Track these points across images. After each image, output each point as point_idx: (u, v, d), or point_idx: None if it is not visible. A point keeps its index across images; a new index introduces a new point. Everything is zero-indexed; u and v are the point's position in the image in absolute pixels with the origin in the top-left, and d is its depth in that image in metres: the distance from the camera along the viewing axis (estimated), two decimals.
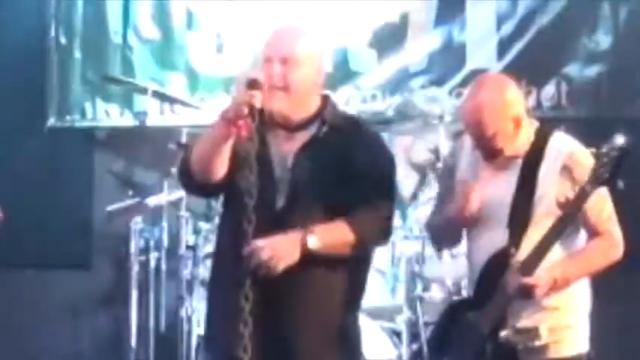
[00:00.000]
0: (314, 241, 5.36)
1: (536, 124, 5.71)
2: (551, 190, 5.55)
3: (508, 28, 8.60)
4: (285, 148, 5.44)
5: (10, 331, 8.39)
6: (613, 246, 5.61)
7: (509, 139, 5.56)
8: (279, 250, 5.30)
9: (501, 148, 5.50)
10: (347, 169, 5.50)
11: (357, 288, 5.65)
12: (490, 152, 5.50)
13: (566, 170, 5.51)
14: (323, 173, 5.49)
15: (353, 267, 5.55)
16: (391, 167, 5.75)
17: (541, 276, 5.46)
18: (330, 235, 5.43)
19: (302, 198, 5.45)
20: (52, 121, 8.68)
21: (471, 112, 5.53)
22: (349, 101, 8.65)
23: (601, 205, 5.56)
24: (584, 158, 5.45)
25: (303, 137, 5.46)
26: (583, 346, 5.70)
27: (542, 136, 5.64)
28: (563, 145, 5.55)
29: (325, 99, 5.57)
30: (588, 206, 5.46)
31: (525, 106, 5.67)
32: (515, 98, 5.50)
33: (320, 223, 5.40)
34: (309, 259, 5.40)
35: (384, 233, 5.67)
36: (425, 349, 7.55)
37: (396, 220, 7.50)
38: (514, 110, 5.50)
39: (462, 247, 7.27)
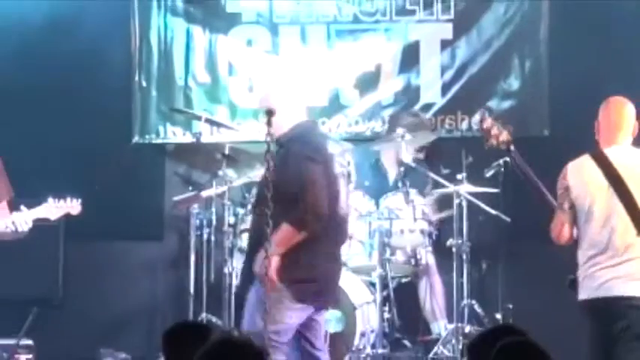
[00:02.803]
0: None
1: None
2: None
3: (448, 75, 8.61)
4: None
5: (104, 288, 8.30)
6: None
7: None
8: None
9: None
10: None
11: None
12: None
13: None
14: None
15: None
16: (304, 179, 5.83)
17: None
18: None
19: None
20: (136, 139, 8.69)
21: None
22: (340, 125, 8.68)
23: None
24: None
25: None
26: None
27: None
28: None
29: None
30: None
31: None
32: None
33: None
34: None
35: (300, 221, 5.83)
36: (392, 295, 7.72)
37: (372, 207, 7.83)
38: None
39: (417, 224, 7.82)
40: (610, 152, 5.87)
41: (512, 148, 6.07)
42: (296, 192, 5.85)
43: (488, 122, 6.16)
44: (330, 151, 6.48)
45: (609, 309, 5.70)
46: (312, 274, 6.01)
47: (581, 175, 5.85)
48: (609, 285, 5.70)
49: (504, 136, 6.08)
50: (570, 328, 6.32)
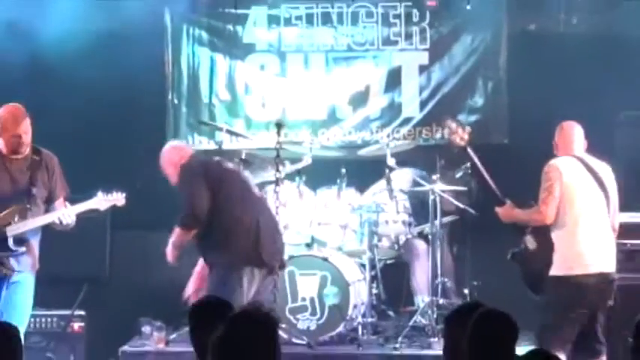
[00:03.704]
0: None
1: None
2: None
3: (425, 93, 8.61)
4: None
5: (143, 268, 8.16)
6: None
7: None
8: None
9: None
10: None
11: None
12: None
13: None
14: None
15: None
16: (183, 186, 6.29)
17: None
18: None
19: None
20: None
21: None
22: (336, 135, 8.66)
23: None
24: None
25: None
26: None
27: None
28: None
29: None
30: None
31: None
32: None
33: None
34: None
35: (183, 224, 6.24)
36: (379, 274, 7.71)
37: (362, 201, 7.75)
38: None
39: (400, 216, 7.85)
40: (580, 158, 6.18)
41: (469, 148, 6.38)
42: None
43: (452, 125, 6.42)
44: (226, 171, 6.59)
45: (587, 282, 5.92)
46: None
47: (571, 170, 6.03)
48: (587, 262, 5.96)
49: (463, 134, 6.36)
50: (521, 300, 6.30)
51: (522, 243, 6.29)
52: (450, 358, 4.16)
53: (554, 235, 6.01)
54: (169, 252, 6.42)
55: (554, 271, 5.98)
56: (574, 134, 6.22)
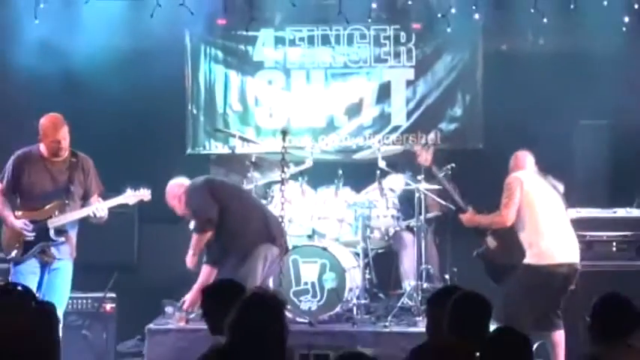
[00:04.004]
0: None
1: None
2: None
3: (411, 105, 8.57)
4: None
5: (167, 256, 7.78)
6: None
7: None
8: None
9: None
10: None
11: None
12: None
13: None
14: None
15: None
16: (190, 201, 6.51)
17: None
18: None
19: None
20: (188, 151, 8.62)
21: None
22: (334, 141, 8.61)
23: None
24: None
25: None
26: None
27: None
28: None
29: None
30: None
31: None
32: None
33: None
34: None
35: (199, 229, 6.49)
36: (371, 262, 7.65)
37: (357, 198, 7.75)
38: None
39: (389, 212, 7.77)
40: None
41: (433, 167, 6.85)
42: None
43: (417, 148, 6.99)
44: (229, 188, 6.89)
45: (555, 270, 6.13)
46: None
47: (531, 181, 6.29)
48: (554, 252, 6.16)
49: (427, 156, 6.89)
50: (494, 284, 6.59)
51: (484, 243, 6.71)
52: (431, 334, 4.26)
53: (524, 235, 6.20)
54: (189, 259, 6.66)
55: (527, 260, 6.19)
56: (526, 160, 6.49)
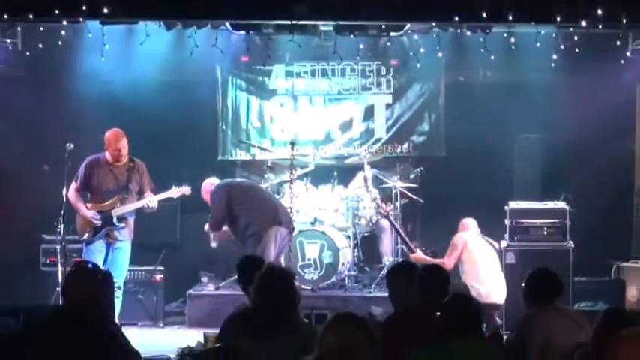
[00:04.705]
0: None
1: None
2: None
3: (390, 122, 8.45)
4: None
5: (203, 238, 7.18)
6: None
7: None
8: None
9: None
10: None
11: None
12: None
13: None
14: None
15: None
16: (212, 203, 6.48)
17: None
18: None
19: None
20: (219, 157, 8.46)
21: None
22: (330, 150, 8.47)
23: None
24: None
25: None
26: None
27: None
28: None
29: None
30: None
31: None
32: None
33: None
34: None
35: (209, 226, 6.53)
36: (359, 243, 7.60)
37: (348, 193, 7.71)
38: None
39: (373, 204, 7.48)
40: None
41: (390, 215, 6.71)
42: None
43: (378, 202, 6.82)
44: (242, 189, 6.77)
45: (489, 308, 5.99)
46: None
47: (473, 240, 6.25)
48: (490, 294, 6.08)
49: (386, 208, 6.73)
50: None
51: None
52: (395, 301, 4.14)
53: (466, 278, 6.15)
54: (209, 235, 6.73)
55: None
56: (470, 224, 6.42)
